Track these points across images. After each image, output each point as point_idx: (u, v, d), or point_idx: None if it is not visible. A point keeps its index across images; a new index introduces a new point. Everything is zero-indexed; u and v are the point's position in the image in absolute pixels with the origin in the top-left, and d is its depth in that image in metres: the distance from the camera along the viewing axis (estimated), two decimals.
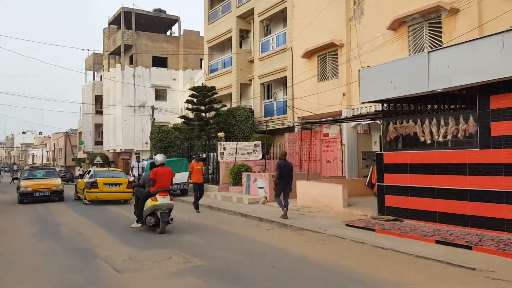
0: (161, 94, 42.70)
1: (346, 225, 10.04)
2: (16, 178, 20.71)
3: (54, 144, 72.03)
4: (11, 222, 12.40)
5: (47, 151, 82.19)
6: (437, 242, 8.07)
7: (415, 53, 14.78)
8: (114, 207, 15.89)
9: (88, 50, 61.62)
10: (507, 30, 8.37)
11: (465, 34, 12.51)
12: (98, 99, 48.32)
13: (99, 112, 47.65)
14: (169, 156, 22.69)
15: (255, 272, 6.53)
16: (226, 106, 25.81)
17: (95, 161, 39.69)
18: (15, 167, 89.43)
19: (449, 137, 9.66)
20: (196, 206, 14.05)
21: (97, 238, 9.56)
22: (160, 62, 43.25)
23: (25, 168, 31.15)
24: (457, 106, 9.98)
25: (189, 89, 26.78)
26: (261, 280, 6.06)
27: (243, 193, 16.97)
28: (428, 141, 10.09)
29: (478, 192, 8.83)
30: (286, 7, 22.22)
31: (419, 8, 14.31)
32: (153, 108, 35.78)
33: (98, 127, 48.46)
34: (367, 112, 13.54)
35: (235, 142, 20.65)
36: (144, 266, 6.76)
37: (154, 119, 34.84)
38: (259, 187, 15.93)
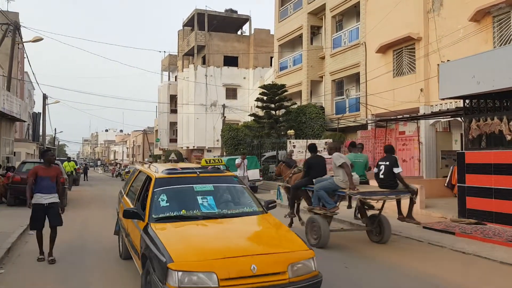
0: (231, 92, 43.62)
1: (424, 227, 9.57)
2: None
3: (133, 141, 76.50)
4: None
5: (127, 148, 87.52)
6: None
7: (500, 45, 13.70)
8: None
9: (164, 51, 64.71)
10: None
11: None
12: (173, 99, 50.47)
13: (173, 110, 49.75)
14: (239, 154, 23.11)
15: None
16: (296, 103, 25.76)
17: (170, 158, 41.58)
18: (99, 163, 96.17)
19: None
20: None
21: None
22: (231, 61, 44.19)
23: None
24: None
25: (259, 87, 27.08)
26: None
27: None
28: None
29: None
30: (359, 1, 21.64)
31: None
32: (224, 106, 36.69)
33: (173, 125, 50.62)
34: (447, 109, 12.78)
35: (305, 140, 20.54)
36: None
37: (225, 117, 35.70)
38: None
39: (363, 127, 20.41)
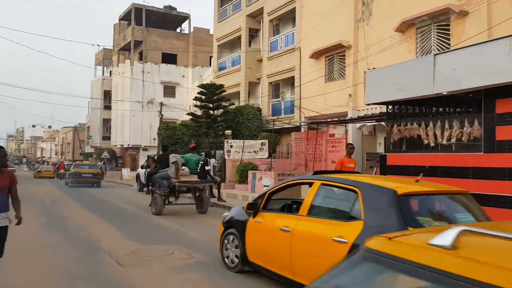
0: (170, 90, 42.96)
1: None
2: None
3: (63, 138, 72.78)
4: None
5: (56, 145, 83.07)
6: None
7: (422, 55, 14.75)
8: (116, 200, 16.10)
9: (98, 45, 62.12)
10: None
11: (474, 37, 12.47)
12: (107, 94, 48.73)
13: (107, 107, 48.05)
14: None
15: None
16: (234, 104, 25.94)
17: (102, 156, 40.06)
18: (24, 160, 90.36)
19: (453, 140, 9.66)
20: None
21: (101, 232, 9.73)
22: (169, 58, 43.51)
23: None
24: (462, 110, 9.99)
25: (197, 86, 26.94)
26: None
27: (248, 191, 17.06)
28: (432, 144, 10.09)
29: (481, 196, 8.80)
30: (295, 7, 22.26)
31: (428, 10, 14.27)
32: (161, 104, 36.00)
33: (106, 122, 48.87)
34: (372, 114, 13.56)
35: (242, 140, 20.78)
36: (147, 261, 6.90)
37: (162, 115, 35.07)
38: (264, 185, 16.01)
39: (297, 129, 21.03)
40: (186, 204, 13.53)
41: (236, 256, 6.19)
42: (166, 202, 12.60)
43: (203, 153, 15.29)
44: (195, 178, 12.68)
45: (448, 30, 14.21)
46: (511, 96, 8.39)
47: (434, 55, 9.81)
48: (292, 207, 5.86)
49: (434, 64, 9.49)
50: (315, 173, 6.01)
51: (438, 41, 14.62)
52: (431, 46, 14.78)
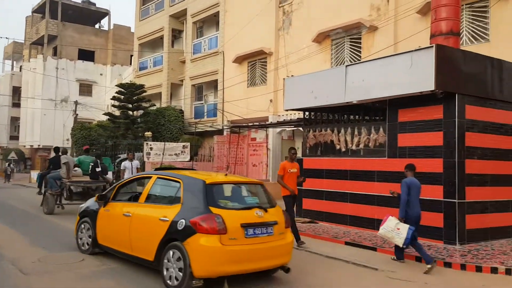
0: (86, 89, 40.90)
1: None
2: None
3: None
4: None
5: None
6: (346, 243, 8.67)
7: (337, 65, 15.64)
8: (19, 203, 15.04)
9: (7, 38, 57.33)
10: (416, 50, 9.19)
11: (382, 50, 13.49)
12: (16, 91, 45.16)
13: (16, 104, 44.51)
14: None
15: None
16: (155, 105, 25.38)
17: (9, 157, 37.03)
18: None
19: (361, 145, 10.39)
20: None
21: (4, 238, 9.02)
22: (86, 55, 41.43)
23: None
24: (370, 118, 10.79)
25: (116, 85, 25.98)
26: None
27: None
28: (343, 149, 10.78)
29: (384, 198, 9.58)
30: (219, 11, 22.40)
31: (342, 24, 15.19)
32: (76, 103, 34.11)
33: (15, 121, 45.26)
34: (290, 119, 14.10)
35: (163, 143, 20.38)
36: (54, 269, 6.54)
37: (77, 114, 33.24)
38: None
39: (220, 132, 21.15)
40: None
41: (88, 241, 7.25)
42: (58, 202, 12.78)
43: (121, 155, 14.94)
44: (87, 179, 13.05)
45: (360, 43, 15.22)
46: (412, 106, 9.24)
47: (346, 66, 10.51)
48: (137, 197, 6.74)
49: (346, 74, 10.16)
50: (156, 169, 7.58)
51: (351, 52, 15.59)
52: (344, 58, 15.73)
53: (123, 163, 15.22)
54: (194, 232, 5.27)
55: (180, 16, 26.29)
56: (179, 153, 20.55)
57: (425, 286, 6.20)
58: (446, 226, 8.45)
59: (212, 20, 24.10)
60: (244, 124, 17.46)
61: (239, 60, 20.12)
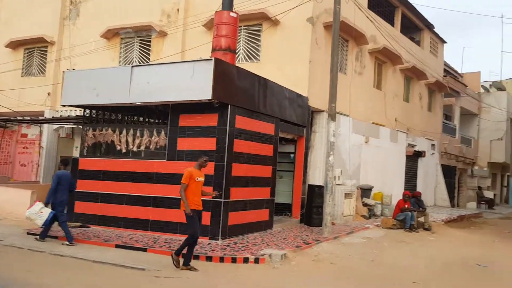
0: None
1: (28, 233, 9.35)
2: None
3: None
4: None
5: None
6: (117, 246, 8.51)
7: (125, 65, 15.32)
8: None
9: None
10: (197, 60, 9.78)
11: (170, 56, 13.85)
12: None
13: None
14: None
15: None
16: None
17: None
18: None
19: (142, 147, 10.42)
20: None
21: None
22: None
23: None
24: (154, 120, 10.92)
25: None
26: None
27: None
28: (124, 150, 10.60)
29: (161, 199, 9.82)
30: None
31: (133, 24, 14.99)
32: None
33: None
34: (69, 116, 13.11)
35: None
36: None
37: None
38: None
39: None
40: None
41: None
42: None
43: None
44: None
45: (150, 46, 15.30)
46: (192, 112, 9.77)
47: (132, 66, 10.40)
48: None
49: (131, 75, 10.05)
50: None
51: (141, 54, 15.52)
52: (134, 59, 15.55)
53: None
54: None
55: None
56: None
57: (187, 280, 6.59)
58: (212, 224, 9.18)
59: None
60: (13, 118, 15.33)
61: (14, 45, 17.65)
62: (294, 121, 11.97)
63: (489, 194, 25.75)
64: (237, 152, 9.58)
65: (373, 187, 15.19)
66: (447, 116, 26.17)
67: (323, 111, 12.88)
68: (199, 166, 7.30)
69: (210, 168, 9.27)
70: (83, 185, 10.59)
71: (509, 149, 29.17)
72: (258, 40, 13.47)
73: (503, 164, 29.50)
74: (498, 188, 31.40)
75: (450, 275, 7.87)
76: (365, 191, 14.81)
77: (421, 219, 13.03)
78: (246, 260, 7.63)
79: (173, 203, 9.59)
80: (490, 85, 33.19)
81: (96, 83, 10.58)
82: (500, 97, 29.14)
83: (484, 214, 20.25)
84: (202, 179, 7.23)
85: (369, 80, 16.11)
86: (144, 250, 8.24)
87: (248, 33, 13.61)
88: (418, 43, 20.33)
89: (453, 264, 8.82)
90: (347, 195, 13.04)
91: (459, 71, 29.94)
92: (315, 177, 13.03)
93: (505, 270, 8.57)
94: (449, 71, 26.29)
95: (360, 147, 15.28)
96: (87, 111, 11.45)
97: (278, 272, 7.34)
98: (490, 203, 24.50)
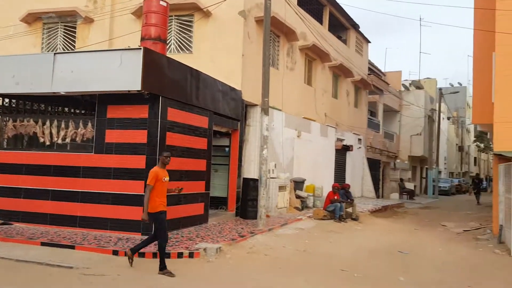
0: None
1: None
2: None
3: None
4: None
5: None
6: (43, 244, 8.00)
7: (48, 51, 14.37)
8: None
9: None
10: (125, 49, 9.43)
11: (97, 44, 13.20)
12: None
13: None
14: None
15: None
16: None
17: None
18: None
19: (68, 140, 9.85)
20: None
21: None
22: None
23: None
24: (79, 111, 10.35)
25: None
26: None
27: None
28: (48, 143, 9.97)
29: (90, 194, 9.36)
30: None
31: (56, 8, 14.08)
32: None
33: None
34: None
35: None
36: None
37: None
38: None
39: None
40: None
41: None
42: None
43: None
44: None
45: (75, 32, 14.47)
46: (121, 103, 9.36)
47: (55, 53, 9.76)
48: None
49: (54, 63, 9.42)
50: None
51: (65, 41, 14.63)
52: (57, 45, 14.63)
53: None
54: None
55: None
56: None
57: (117, 277, 6.36)
58: None
59: None
60: None
61: None
62: (228, 114, 11.96)
63: (410, 186, 27.61)
64: (170, 145, 9.36)
65: (305, 179, 15.66)
66: (372, 112, 27.64)
67: (257, 105, 13.00)
68: (163, 165, 6.87)
69: (141, 161, 9.03)
70: (3, 180, 9.87)
71: (427, 144, 31.50)
72: (190, 31, 13.25)
73: (421, 157, 31.80)
74: (418, 179, 33.82)
75: (375, 262, 8.33)
76: (298, 184, 15.23)
77: (349, 209, 13.66)
78: (180, 255, 7.51)
79: (103, 198, 9.23)
80: (410, 84, 35.64)
81: (15, 70, 9.80)
82: (419, 95, 31.38)
83: (405, 204, 21.70)
84: (167, 178, 6.84)
85: (300, 76, 16.53)
86: (72, 247, 7.81)
87: (180, 23, 13.34)
88: (344, 42, 21.22)
89: (377, 251, 9.35)
90: (281, 188, 13.31)
91: (382, 70, 31.76)
92: (250, 171, 13.15)
93: (424, 256, 9.24)
94: (373, 69, 27.78)
95: (293, 141, 15.67)
96: (6, 100, 10.62)
97: (212, 265, 7.32)
98: (411, 194, 26.31)
